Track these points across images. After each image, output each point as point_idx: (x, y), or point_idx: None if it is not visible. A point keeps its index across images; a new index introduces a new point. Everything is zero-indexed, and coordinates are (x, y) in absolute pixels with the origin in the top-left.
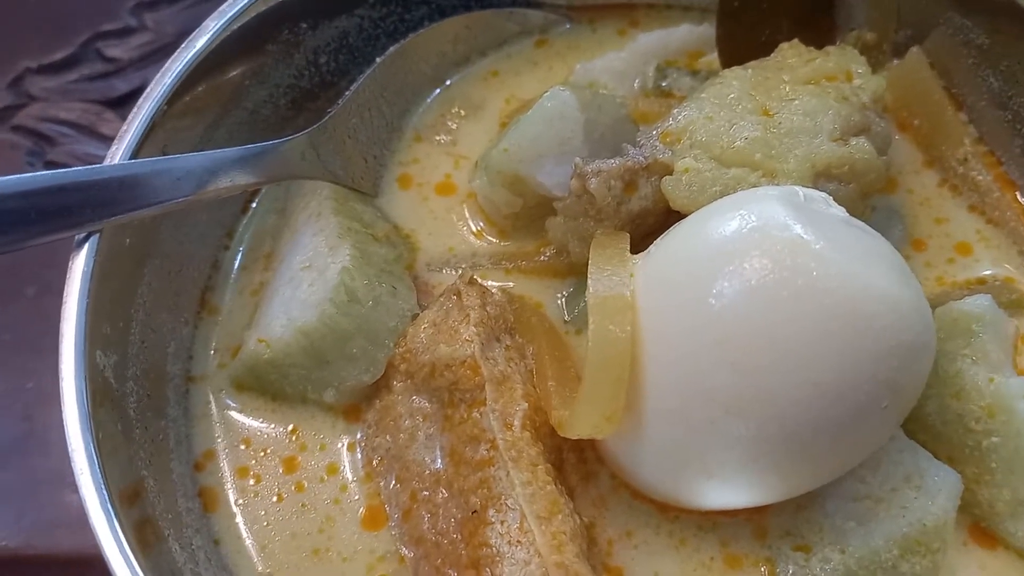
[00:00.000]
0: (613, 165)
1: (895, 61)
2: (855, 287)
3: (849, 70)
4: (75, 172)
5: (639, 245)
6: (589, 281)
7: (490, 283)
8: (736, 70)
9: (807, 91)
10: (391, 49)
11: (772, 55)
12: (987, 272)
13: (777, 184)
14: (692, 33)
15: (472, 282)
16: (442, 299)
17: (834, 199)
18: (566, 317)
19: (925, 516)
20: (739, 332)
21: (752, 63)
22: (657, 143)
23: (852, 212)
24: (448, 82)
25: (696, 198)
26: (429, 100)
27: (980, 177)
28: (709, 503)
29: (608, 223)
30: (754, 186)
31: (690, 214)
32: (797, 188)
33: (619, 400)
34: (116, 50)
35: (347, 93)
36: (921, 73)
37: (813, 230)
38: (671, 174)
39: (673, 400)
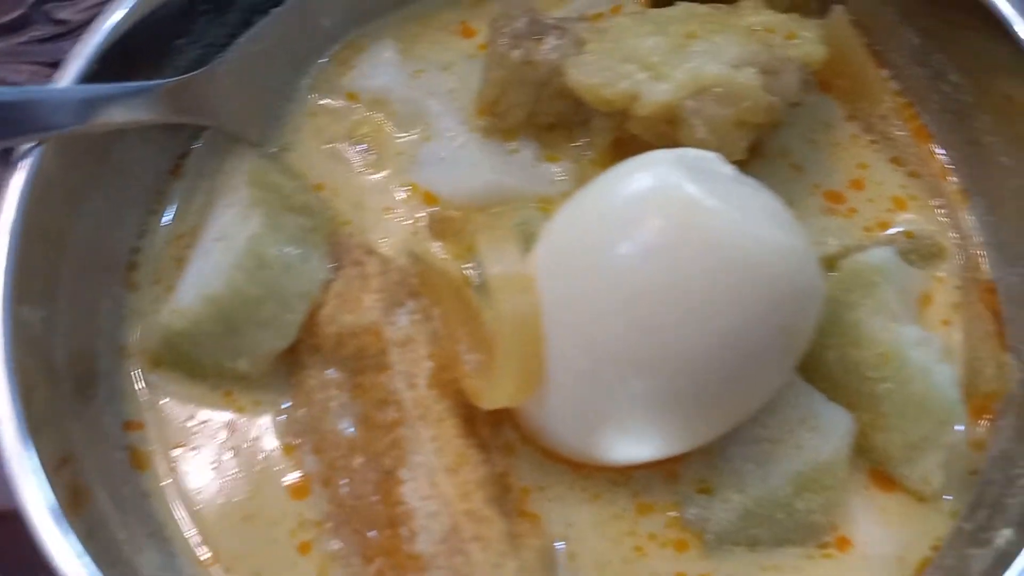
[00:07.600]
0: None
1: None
2: (747, 239)
3: (794, 31)
4: None
5: (545, 137)
6: (484, 263)
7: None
8: (692, 5)
9: (738, 31)
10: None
11: (734, 5)
12: (910, 225)
13: (660, 84)
14: None
15: (371, 251)
16: (344, 270)
17: (710, 124)
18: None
19: (818, 454)
20: (642, 292)
21: (711, 5)
22: (584, 23)
23: (725, 139)
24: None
25: (585, 79)
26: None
27: (899, 132)
28: (623, 457)
29: (518, 87)
30: (639, 83)
31: (582, 94)
32: (688, 150)
33: (531, 371)
34: (65, 12)
35: (239, 39)
36: (843, 31)
37: (705, 188)
38: (580, 45)
39: (584, 363)
